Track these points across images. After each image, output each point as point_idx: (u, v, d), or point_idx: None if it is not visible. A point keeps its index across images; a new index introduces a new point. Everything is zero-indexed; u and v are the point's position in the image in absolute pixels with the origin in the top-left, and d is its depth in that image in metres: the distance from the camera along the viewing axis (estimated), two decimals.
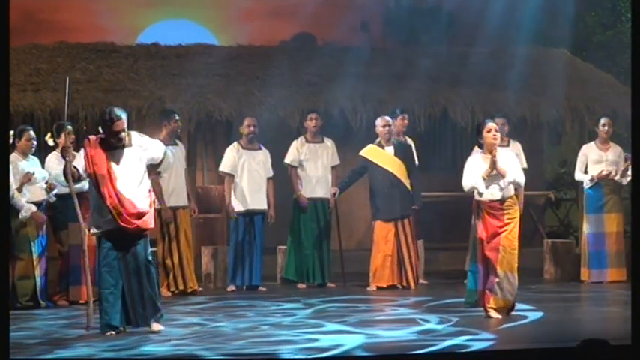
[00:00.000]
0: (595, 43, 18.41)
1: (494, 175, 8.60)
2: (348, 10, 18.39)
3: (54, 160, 9.94)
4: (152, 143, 8.20)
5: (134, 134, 8.09)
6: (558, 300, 10.10)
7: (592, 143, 11.73)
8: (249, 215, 11.25)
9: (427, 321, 8.43)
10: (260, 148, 11.41)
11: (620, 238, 11.55)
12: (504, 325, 8.24)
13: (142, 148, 8.04)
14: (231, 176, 11.27)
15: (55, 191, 9.94)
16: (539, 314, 8.84)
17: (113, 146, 7.91)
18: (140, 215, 7.87)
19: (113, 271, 7.90)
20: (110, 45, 14.63)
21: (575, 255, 11.98)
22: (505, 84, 13.84)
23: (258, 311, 9.34)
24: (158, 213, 10.21)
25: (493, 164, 8.58)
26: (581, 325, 8.62)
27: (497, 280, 8.58)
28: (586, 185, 11.57)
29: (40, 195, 9.92)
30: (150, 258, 8.03)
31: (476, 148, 9.11)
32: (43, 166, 10.06)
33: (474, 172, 8.69)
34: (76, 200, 8.03)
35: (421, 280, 11.43)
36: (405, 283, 11.01)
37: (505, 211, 8.64)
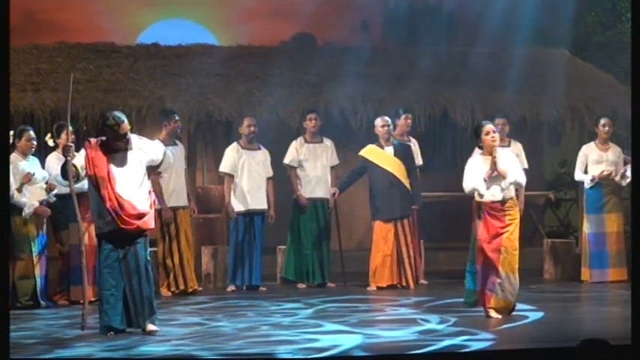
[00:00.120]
0: (595, 43, 18.39)
1: (495, 176, 8.60)
2: (348, 10, 18.41)
3: (54, 160, 9.94)
4: (152, 145, 8.20)
5: (134, 137, 8.08)
6: (558, 300, 10.09)
7: (592, 143, 11.72)
8: (249, 215, 11.24)
9: (427, 321, 8.43)
10: (260, 148, 11.41)
11: (621, 238, 11.54)
12: (504, 326, 8.23)
13: (142, 151, 8.03)
14: (231, 176, 11.27)
15: (55, 191, 9.94)
16: (539, 314, 8.83)
17: (114, 149, 7.90)
18: (140, 216, 7.87)
19: (114, 273, 7.90)
20: (110, 45, 14.61)
21: (575, 255, 11.98)
22: (505, 84, 13.82)
23: (258, 311, 9.33)
24: (158, 213, 10.21)
25: (494, 165, 8.57)
26: (581, 325, 8.61)
27: (498, 280, 8.58)
28: (587, 185, 11.56)
29: (40, 195, 9.91)
30: (149, 258, 8.05)
31: (476, 149, 9.10)
32: (43, 166, 10.06)
33: (474, 173, 8.68)
34: (75, 200, 8.03)
35: (421, 281, 11.43)
36: (404, 283, 11.02)
37: (506, 212, 8.63)
